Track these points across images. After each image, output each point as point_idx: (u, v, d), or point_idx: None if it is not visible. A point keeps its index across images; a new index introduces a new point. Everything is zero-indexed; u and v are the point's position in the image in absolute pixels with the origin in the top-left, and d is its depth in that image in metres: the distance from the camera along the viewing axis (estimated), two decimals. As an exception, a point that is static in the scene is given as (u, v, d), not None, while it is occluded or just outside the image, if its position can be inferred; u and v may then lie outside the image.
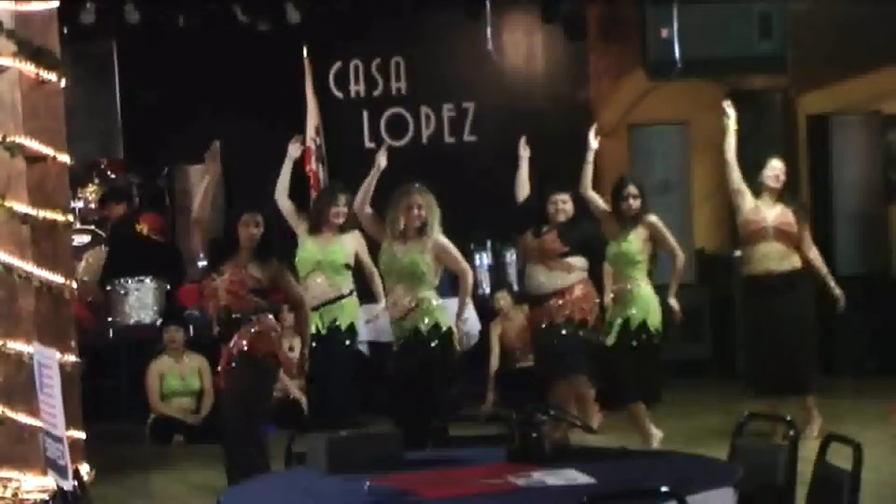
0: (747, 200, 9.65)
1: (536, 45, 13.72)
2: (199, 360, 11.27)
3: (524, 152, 9.58)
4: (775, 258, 9.62)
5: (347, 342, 9.04)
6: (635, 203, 9.25)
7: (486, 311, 11.72)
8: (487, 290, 12.35)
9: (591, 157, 9.56)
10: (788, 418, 5.68)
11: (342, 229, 8.95)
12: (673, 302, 9.30)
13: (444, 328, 8.42)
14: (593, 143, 9.61)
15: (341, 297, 8.99)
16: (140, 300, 12.16)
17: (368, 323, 9.77)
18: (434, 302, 8.47)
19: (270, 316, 7.89)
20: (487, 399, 11.44)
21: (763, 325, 9.79)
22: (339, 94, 13.55)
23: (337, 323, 8.92)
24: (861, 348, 12.77)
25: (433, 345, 8.38)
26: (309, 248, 8.91)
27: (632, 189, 9.30)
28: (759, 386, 9.88)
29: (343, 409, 8.63)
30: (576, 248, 9.28)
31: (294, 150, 9.05)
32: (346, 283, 9.02)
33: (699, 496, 4.59)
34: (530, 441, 5.13)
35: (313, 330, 8.77)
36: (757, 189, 9.69)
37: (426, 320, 8.38)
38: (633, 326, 9.21)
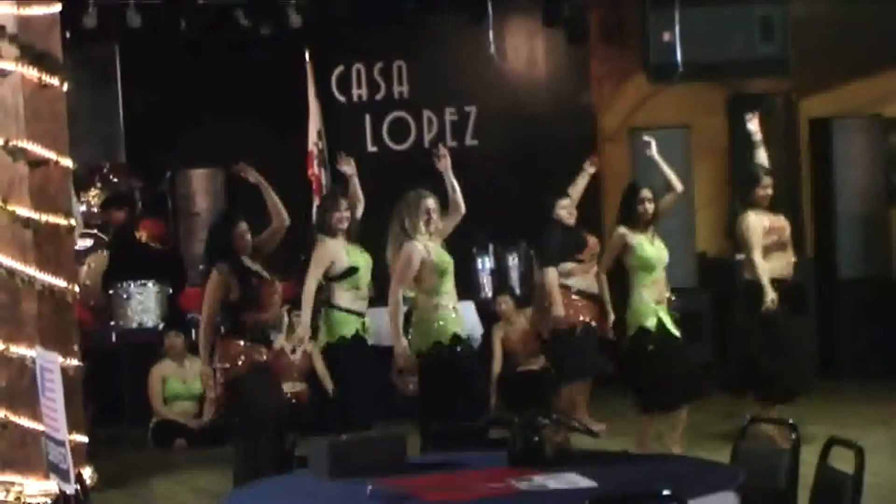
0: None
1: (538, 49, 13.71)
2: (201, 364, 11.25)
3: (590, 168, 9.73)
4: (779, 264, 9.71)
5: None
6: (651, 206, 9.30)
7: (489, 315, 11.72)
8: (490, 294, 12.35)
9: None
10: (791, 422, 5.68)
11: (349, 236, 8.99)
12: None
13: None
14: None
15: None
16: (142, 304, 12.16)
17: None
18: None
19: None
20: (490, 403, 11.43)
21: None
22: (341, 98, 13.55)
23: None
24: (863, 351, 12.76)
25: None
26: (356, 258, 8.94)
27: (647, 193, 9.35)
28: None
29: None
30: None
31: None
32: None
33: (701, 500, 4.60)
34: (532, 445, 5.14)
35: (350, 334, 8.88)
36: (752, 202, 9.72)
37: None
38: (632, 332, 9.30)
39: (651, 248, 9.26)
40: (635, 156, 12.48)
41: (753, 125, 9.90)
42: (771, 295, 9.55)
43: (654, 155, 9.57)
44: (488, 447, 5.95)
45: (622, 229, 9.28)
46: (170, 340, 11.31)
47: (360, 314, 8.99)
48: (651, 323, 9.15)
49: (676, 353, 9.28)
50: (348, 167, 9.23)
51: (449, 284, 8.65)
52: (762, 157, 9.92)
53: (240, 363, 7.78)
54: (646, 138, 9.68)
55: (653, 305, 9.19)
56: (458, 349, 8.60)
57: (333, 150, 12.67)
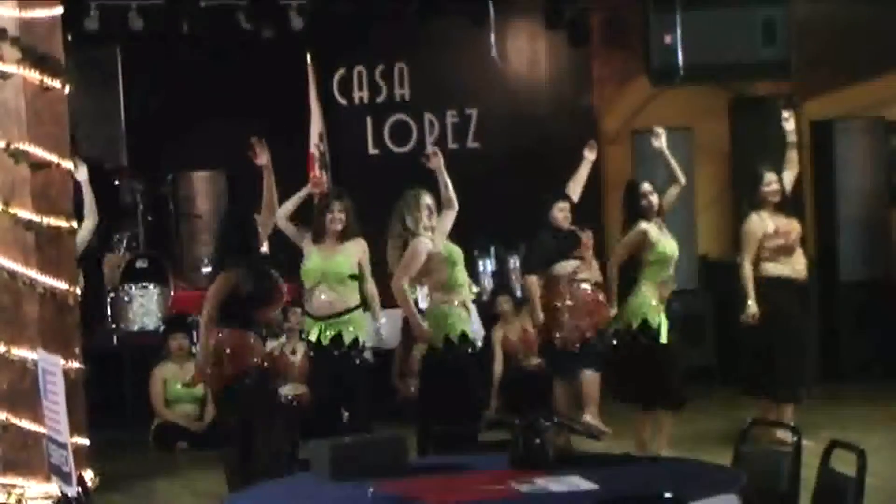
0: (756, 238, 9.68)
1: (540, 51, 13.71)
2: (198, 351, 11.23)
3: (590, 154, 9.81)
4: (774, 267, 9.69)
5: (355, 359, 8.93)
6: (654, 199, 9.33)
7: (490, 317, 11.72)
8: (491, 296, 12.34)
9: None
10: (793, 424, 5.68)
11: (344, 237, 8.94)
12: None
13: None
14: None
15: (347, 310, 8.89)
16: (144, 306, 12.17)
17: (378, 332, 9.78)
18: None
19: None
20: (491, 405, 11.43)
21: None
22: (342, 101, 13.55)
23: (341, 337, 8.90)
24: (865, 354, 12.75)
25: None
26: (313, 259, 8.90)
27: (647, 186, 9.40)
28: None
29: (353, 424, 8.69)
30: None
31: (312, 188, 9.23)
32: (353, 294, 8.87)
33: (702, 502, 4.59)
34: (534, 447, 5.14)
35: (314, 339, 8.83)
36: (757, 202, 9.70)
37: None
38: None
39: (665, 242, 9.30)
40: (637, 158, 12.50)
41: (790, 125, 9.83)
42: (753, 310, 9.55)
43: (663, 146, 9.52)
44: (489, 449, 5.94)
45: (644, 225, 9.26)
46: (177, 342, 11.28)
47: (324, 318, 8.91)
48: (650, 319, 9.16)
49: (666, 356, 9.25)
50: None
51: (462, 276, 8.81)
52: (793, 158, 9.87)
53: (241, 355, 7.80)
54: (657, 129, 9.62)
55: (653, 303, 9.21)
56: (468, 350, 8.73)
57: (334, 152, 12.71)
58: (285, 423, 8.32)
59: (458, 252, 8.78)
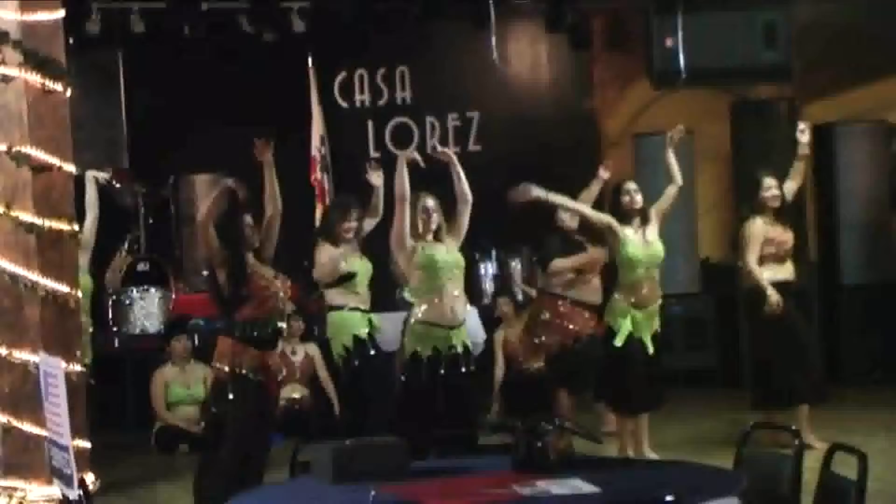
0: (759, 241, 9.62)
1: (541, 54, 13.73)
2: (203, 368, 11.25)
3: (604, 174, 9.72)
4: (774, 272, 9.65)
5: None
6: (637, 196, 9.16)
7: (492, 321, 11.72)
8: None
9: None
10: (794, 428, 5.68)
11: (352, 245, 9.07)
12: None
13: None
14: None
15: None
16: (145, 309, 12.17)
17: None
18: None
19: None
20: (493, 408, 11.44)
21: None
22: (344, 104, 13.57)
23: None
24: (867, 357, 12.76)
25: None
26: (357, 264, 9.02)
27: (629, 185, 9.24)
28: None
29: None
30: None
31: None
32: None
33: (704, 505, 4.60)
34: (535, 450, 5.13)
35: (362, 334, 8.99)
36: (757, 208, 9.65)
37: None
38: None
39: (638, 245, 9.09)
40: (637, 161, 12.50)
41: (805, 137, 9.58)
42: (775, 298, 9.44)
43: (673, 146, 9.34)
44: (491, 453, 5.95)
45: (616, 225, 9.10)
46: (182, 344, 11.27)
47: (366, 311, 9.03)
48: (620, 325, 9.03)
49: (635, 361, 9.09)
50: (377, 179, 9.15)
51: (449, 282, 8.49)
52: (801, 169, 9.69)
53: (225, 365, 7.69)
54: (680, 126, 9.39)
55: (623, 306, 9.06)
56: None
57: (336, 155, 12.72)
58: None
59: (451, 260, 8.41)
